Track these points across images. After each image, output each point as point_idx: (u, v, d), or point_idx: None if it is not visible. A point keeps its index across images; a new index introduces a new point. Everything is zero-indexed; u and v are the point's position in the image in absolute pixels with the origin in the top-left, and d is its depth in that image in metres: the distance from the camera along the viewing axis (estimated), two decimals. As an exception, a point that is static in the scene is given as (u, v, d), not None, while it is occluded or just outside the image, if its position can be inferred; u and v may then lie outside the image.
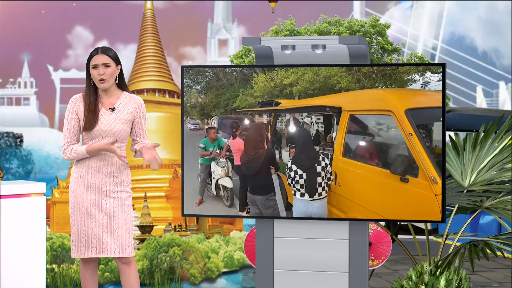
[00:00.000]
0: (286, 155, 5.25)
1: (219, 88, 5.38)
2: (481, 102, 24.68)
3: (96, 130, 5.36)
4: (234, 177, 5.40)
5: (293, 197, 5.22)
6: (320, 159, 5.17)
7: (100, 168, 5.39)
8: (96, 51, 5.42)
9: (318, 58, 5.14)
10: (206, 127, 5.40)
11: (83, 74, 5.56)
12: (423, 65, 5.06)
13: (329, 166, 5.15)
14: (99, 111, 5.39)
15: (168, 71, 20.29)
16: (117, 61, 5.44)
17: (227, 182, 5.40)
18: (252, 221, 13.24)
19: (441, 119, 4.96)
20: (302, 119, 5.21)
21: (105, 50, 5.44)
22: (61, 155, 5.58)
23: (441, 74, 4.96)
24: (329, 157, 5.16)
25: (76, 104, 5.46)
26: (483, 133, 6.06)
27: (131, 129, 5.49)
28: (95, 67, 5.38)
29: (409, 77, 5.05)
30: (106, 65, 5.38)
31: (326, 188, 5.16)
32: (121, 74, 5.50)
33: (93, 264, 5.57)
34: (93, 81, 5.42)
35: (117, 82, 5.47)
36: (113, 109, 5.40)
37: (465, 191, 5.98)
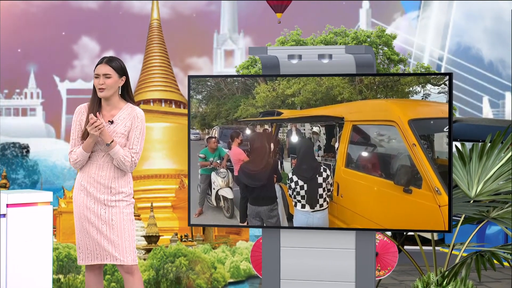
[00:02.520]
0: (287, 166, 5.23)
1: (221, 98, 5.38)
2: (487, 112, 24.63)
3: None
4: (234, 188, 5.37)
5: (294, 209, 5.20)
6: (322, 170, 5.15)
7: (98, 178, 5.41)
8: (101, 61, 5.45)
9: (324, 67, 5.14)
10: (206, 136, 5.39)
11: (89, 85, 5.59)
12: (430, 75, 5.06)
13: (330, 177, 5.14)
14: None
15: (175, 81, 20.31)
16: (120, 72, 5.43)
17: (228, 193, 5.38)
18: (258, 232, 13.24)
19: (447, 129, 4.95)
20: (304, 129, 5.20)
21: (109, 61, 5.44)
22: (67, 165, 5.62)
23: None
24: (331, 167, 5.15)
25: (80, 114, 5.50)
26: (489, 144, 6.05)
27: None
28: (97, 76, 5.41)
29: (410, 88, 5.04)
30: (107, 76, 5.39)
31: (328, 199, 5.14)
32: (125, 85, 5.49)
33: (98, 271, 5.57)
34: None
35: (120, 93, 5.47)
36: (111, 122, 5.41)
37: (471, 201, 5.97)
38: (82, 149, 5.37)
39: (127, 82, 5.49)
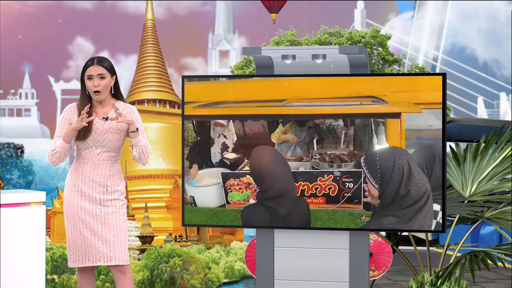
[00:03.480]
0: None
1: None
2: (482, 113, 24.70)
3: (90, 140, 5.35)
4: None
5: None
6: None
7: (93, 177, 5.39)
8: (91, 62, 5.39)
9: (318, 68, 5.13)
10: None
11: (83, 86, 5.53)
12: (423, 75, 5.06)
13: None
14: (92, 121, 5.37)
15: (169, 82, 20.33)
16: (112, 72, 5.41)
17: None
18: (253, 232, 13.26)
19: (441, 129, 4.95)
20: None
21: (100, 61, 5.40)
22: (61, 165, 5.57)
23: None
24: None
25: (70, 113, 5.45)
26: (483, 144, 6.05)
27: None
28: (90, 78, 5.35)
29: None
30: (101, 77, 5.35)
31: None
32: (116, 84, 5.47)
33: (90, 272, 5.56)
34: (87, 91, 5.40)
35: (112, 92, 5.45)
36: (106, 119, 5.39)
37: (466, 202, 5.97)
38: (62, 139, 5.33)
39: (116, 80, 5.48)
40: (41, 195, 6.05)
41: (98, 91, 5.33)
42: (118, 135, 5.39)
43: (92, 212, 5.36)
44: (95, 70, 5.33)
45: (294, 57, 5.08)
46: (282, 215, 5.17)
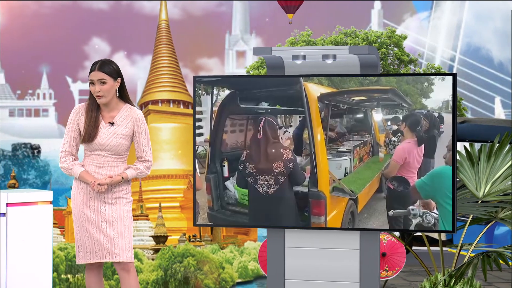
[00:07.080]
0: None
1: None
2: (500, 113, 24.58)
3: (95, 143, 5.41)
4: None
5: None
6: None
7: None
8: (93, 67, 5.45)
9: (329, 68, 5.14)
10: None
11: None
12: (434, 75, 5.04)
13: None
14: (99, 125, 5.42)
15: (183, 82, 20.32)
16: (115, 76, 5.43)
17: None
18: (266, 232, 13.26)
19: (452, 129, 4.94)
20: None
21: (102, 67, 5.43)
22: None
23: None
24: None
25: (78, 114, 5.51)
26: (497, 144, 6.03)
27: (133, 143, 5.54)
28: (91, 83, 5.42)
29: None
30: (102, 82, 5.40)
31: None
32: (121, 86, 5.51)
33: (97, 270, 5.61)
34: None
35: (118, 94, 5.49)
36: (112, 124, 5.44)
37: (479, 202, 5.96)
38: (77, 174, 5.42)
39: (122, 83, 5.50)
40: (48, 194, 6.10)
41: (99, 96, 5.40)
42: (123, 140, 5.44)
43: (97, 210, 5.42)
44: (95, 75, 5.41)
45: (304, 57, 5.09)
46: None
